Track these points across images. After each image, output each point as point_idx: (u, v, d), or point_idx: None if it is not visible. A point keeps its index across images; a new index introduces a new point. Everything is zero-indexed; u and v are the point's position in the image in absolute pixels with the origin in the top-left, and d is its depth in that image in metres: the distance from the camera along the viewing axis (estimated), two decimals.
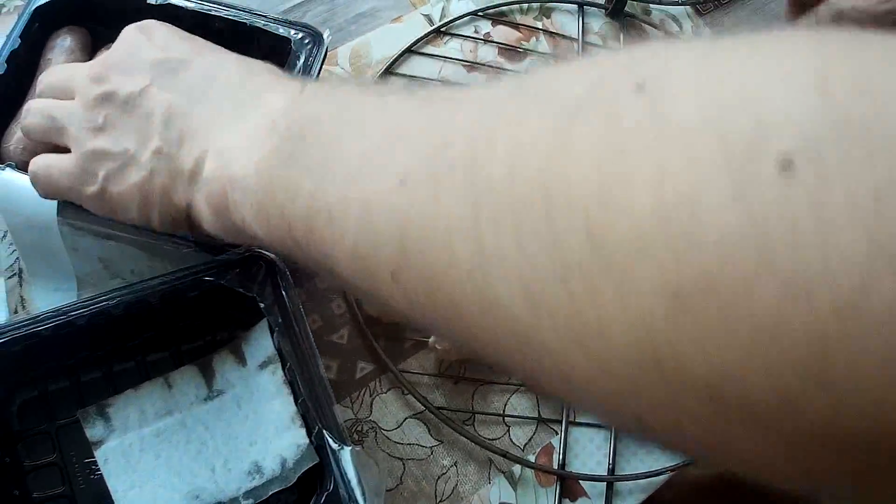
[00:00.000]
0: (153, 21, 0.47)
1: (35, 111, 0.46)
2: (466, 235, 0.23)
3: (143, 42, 0.45)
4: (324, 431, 0.45)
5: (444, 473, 0.56)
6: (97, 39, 0.58)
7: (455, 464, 0.56)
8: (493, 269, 0.22)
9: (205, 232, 0.42)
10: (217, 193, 0.39)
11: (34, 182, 0.45)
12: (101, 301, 0.46)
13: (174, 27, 0.47)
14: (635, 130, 0.19)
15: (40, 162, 0.45)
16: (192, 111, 0.42)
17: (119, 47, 0.45)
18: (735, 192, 0.16)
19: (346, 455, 0.44)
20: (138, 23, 0.46)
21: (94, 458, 0.48)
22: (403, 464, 0.55)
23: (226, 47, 0.59)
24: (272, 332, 0.49)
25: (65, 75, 0.47)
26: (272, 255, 0.48)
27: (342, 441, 0.45)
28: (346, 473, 0.44)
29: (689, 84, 0.19)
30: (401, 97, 0.32)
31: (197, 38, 0.46)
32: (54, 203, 0.47)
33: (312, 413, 0.46)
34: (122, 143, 0.42)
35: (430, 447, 0.56)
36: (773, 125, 0.16)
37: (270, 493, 0.47)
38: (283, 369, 0.49)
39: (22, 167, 0.50)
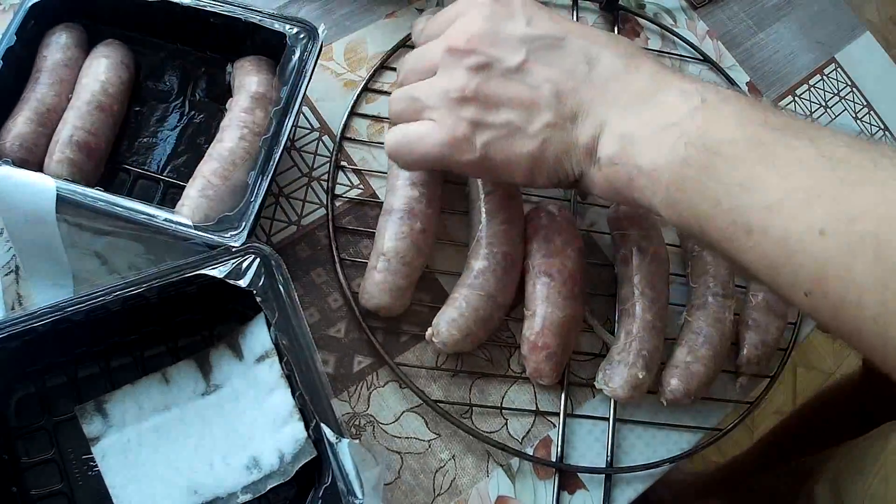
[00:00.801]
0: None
1: (398, 98, 0.50)
2: (874, 297, 0.34)
3: (503, 14, 0.47)
4: (321, 425, 0.45)
5: (442, 467, 0.56)
6: (92, 36, 0.58)
7: (453, 457, 0.56)
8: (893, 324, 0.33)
9: (591, 193, 0.49)
10: (622, 175, 0.44)
11: (394, 155, 0.50)
12: (98, 296, 0.46)
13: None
14: None
15: (401, 133, 0.50)
16: (580, 89, 0.45)
17: (475, 19, 0.47)
18: None
19: (343, 448, 0.44)
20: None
21: (91, 454, 0.48)
22: (401, 457, 0.55)
23: (221, 43, 0.59)
24: (269, 326, 0.49)
25: (421, 55, 0.50)
26: (269, 250, 0.48)
27: (340, 434, 0.45)
28: (344, 466, 0.44)
29: None
30: (808, 151, 0.38)
31: (552, 10, 0.49)
32: (52, 200, 0.47)
33: (310, 407, 0.46)
34: (502, 115, 0.46)
35: (428, 440, 0.56)
36: None
37: (269, 487, 0.47)
38: (281, 363, 0.49)
39: (19, 164, 0.50)
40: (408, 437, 0.56)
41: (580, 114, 0.45)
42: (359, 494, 0.43)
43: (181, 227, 0.48)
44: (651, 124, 0.43)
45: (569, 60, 0.46)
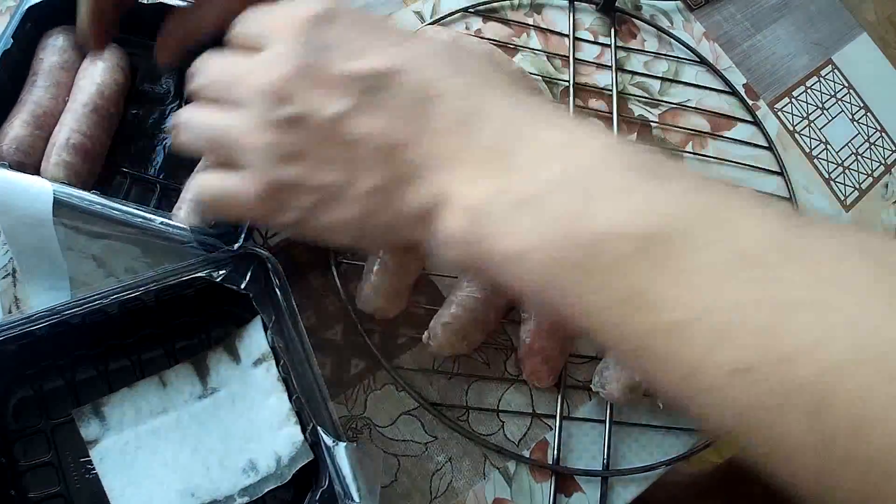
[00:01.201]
0: (331, 4, 0.37)
1: (193, 127, 0.40)
2: (808, 466, 0.28)
3: (324, 42, 0.36)
4: (318, 428, 0.45)
5: (438, 469, 0.56)
6: None
7: (450, 460, 0.56)
8: (836, 499, 0.28)
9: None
10: (472, 257, 0.34)
11: (203, 204, 0.42)
12: (96, 299, 0.46)
13: (364, 13, 0.39)
14: None
15: (211, 183, 0.40)
16: (414, 142, 0.35)
17: (289, 53, 0.36)
18: None
19: (341, 451, 0.44)
20: (312, 10, 0.36)
21: (89, 456, 0.48)
22: (398, 460, 0.55)
23: (217, 42, 0.59)
24: (266, 330, 0.49)
25: (226, 72, 0.39)
26: (266, 253, 0.48)
27: (337, 437, 0.45)
28: (341, 470, 0.44)
29: None
30: (723, 249, 0.29)
31: (391, 25, 0.40)
32: (49, 203, 0.47)
33: (307, 410, 0.46)
34: (320, 177, 0.36)
35: (425, 443, 0.56)
36: None
37: (266, 490, 0.47)
38: (278, 366, 0.49)
39: (15, 167, 0.50)
40: (404, 440, 0.56)
41: (412, 176, 0.35)
42: (356, 498, 0.43)
43: (178, 231, 0.48)
44: (502, 198, 0.33)
45: (401, 105, 0.35)
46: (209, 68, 0.40)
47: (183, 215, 0.50)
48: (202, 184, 0.40)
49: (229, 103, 0.38)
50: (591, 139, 0.34)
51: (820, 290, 0.28)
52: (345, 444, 0.44)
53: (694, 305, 0.29)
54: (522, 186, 0.33)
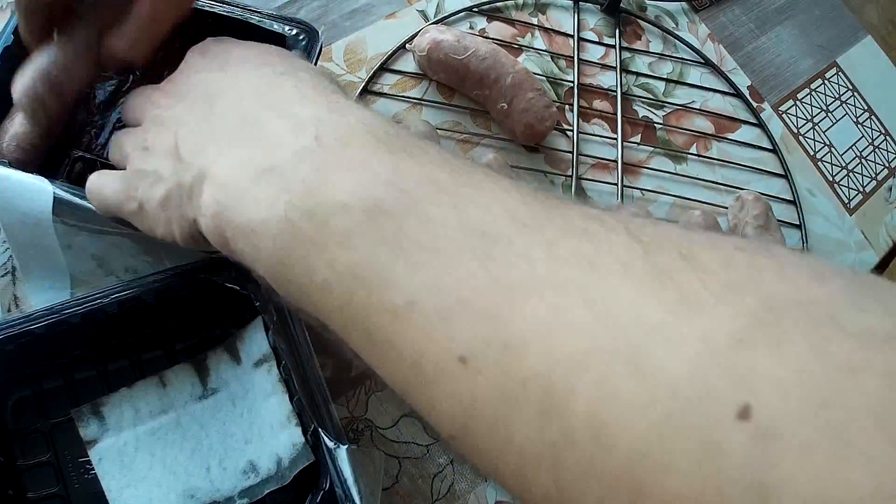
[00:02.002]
0: (212, 41, 0.43)
1: (112, 141, 0.45)
2: (545, 475, 0.22)
3: (197, 62, 0.42)
4: (319, 430, 0.45)
5: (440, 472, 0.55)
6: None
7: (451, 462, 0.56)
8: None
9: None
10: (215, 229, 0.34)
11: (90, 197, 0.45)
12: (95, 299, 0.45)
13: (238, 42, 0.43)
14: (734, 481, 0.19)
15: (94, 178, 0.44)
16: (197, 125, 0.37)
17: (180, 68, 0.43)
18: None
19: (342, 454, 0.44)
20: (201, 45, 0.43)
21: (88, 457, 0.47)
22: (399, 462, 0.55)
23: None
24: (267, 331, 0.48)
25: (138, 100, 0.45)
26: None
27: (338, 440, 0.44)
28: (342, 472, 0.44)
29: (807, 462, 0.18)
30: (451, 221, 0.26)
31: (260, 48, 0.41)
32: (49, 201, 0.46)
33: (308, 412, 0.45)
34: (155, 163, 0.39)
35: (426, 445, 0.56)
36: None
37: (266, 492, 0.47)
38: (279, 367, 0.48)
39: (15, 164, 0.49)
40: (406, 442, 0.56)
41: (191, 152, 0.36)
42: (357, 500, 0.43)
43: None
44: (249, 168, 0.32)
45: (206, 92, 0.38)
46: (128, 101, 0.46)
47: None
48: (88, 181, 0.44)
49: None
50: (348, 114, 0.32)
51: (561, 270, 0.24)
52: (346, 446, 0.44)
53: (417, 284, 0.26)
54: (265, 156, 0.32)
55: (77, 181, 0.49)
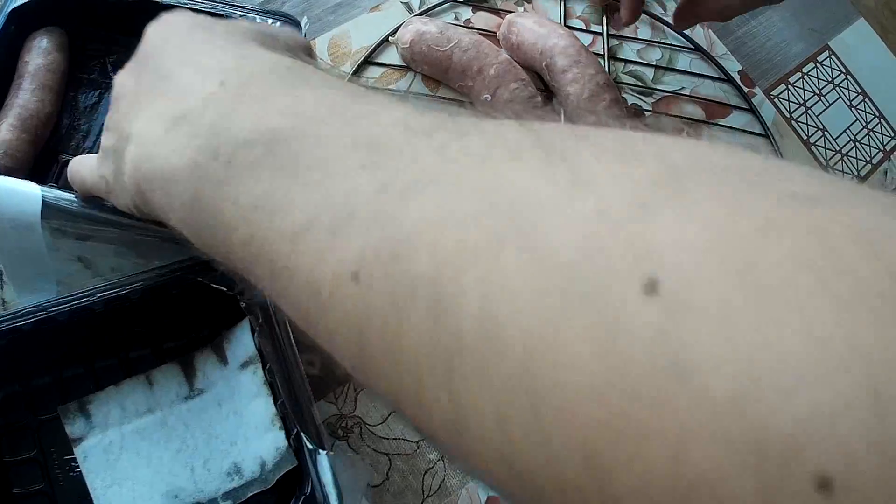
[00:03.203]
0: (166, 14, 0.40)
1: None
2: (439, 386, 0.20)
3: (145, 36, 0.39)
4: (302, 435, 0.45)
5: (430, 468, 0.55)
6: (74, 39, 0.58)
7: (442, 458, 0.56)
8: (470, 427, 0.20)
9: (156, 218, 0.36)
10: (137, 188, 0.34)
11: (70, 181, 0.46)
12: (83, 297, 0.46)
13: (193, 15, 0.40)
14: (645, 364, 0.16)
15: (73, 162, 0.45)
16: (133, 93, 0.36)
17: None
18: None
19: (322, 460, 0.44)
20: (155, 19, 0.40)
21: (74, 454, 0.47)
22: (389, 459, 0.55)
23: None
24: (253, 332, 0.48)
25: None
26: None
27: (320, 445, 0.44)
28: (322, 478, 0.44)
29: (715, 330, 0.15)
30: (341, 137, 0.26)
31: (219, 22, 0.39)
32: (37, 206, 0.46)
33: (291, 415, 0.45)
34: (109, 137, 0.37)
35: (417, 441, 0.56)
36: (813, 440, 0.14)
37: (249, 494, 0.47)
38: (264, 370, 0.48)
39: (3, 171, 0.49)
40: (396, 439, 0.55)
41: (121, 116, 0.36)
42: None
43: (166, 230, 0.48)
44: (163, 117, 0.32)
45: (147, 56, 0.37)
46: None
47: None
48: (70, 165, 0.44)
49: None
50: (252, 59, 0.32)
51: (450, 167, 0.22)
52: (326, 453, 0.44)
53: (312, 204, 0.25)
54: (176, 106, 0.31)
55: (66, 185, 0.49)
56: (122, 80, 0.37)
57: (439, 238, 0.20)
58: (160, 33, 0.37)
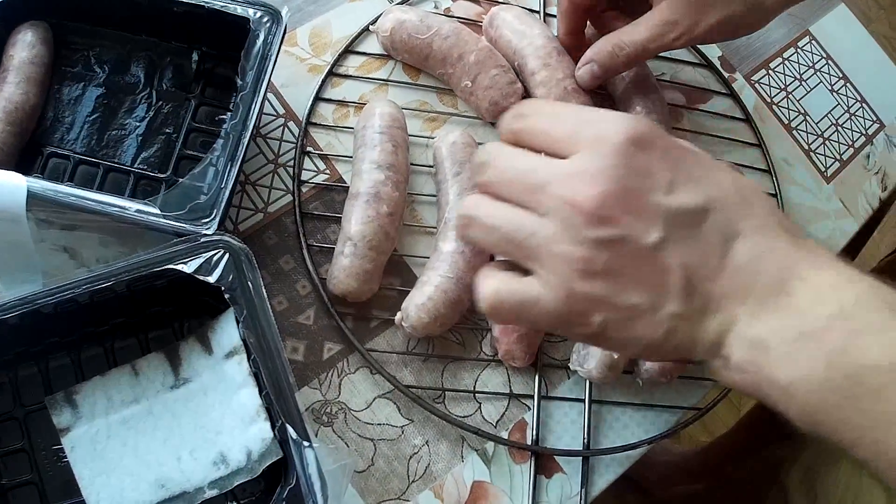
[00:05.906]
0: (648, 130, 0.40)
1: (487, 224, 0.42)
2: None
3: (641, 170, 0.39)
4: (286, 426, 0.45)
5: (415, 453, 0.56)
6: (58, 33, 0.58)
7: (427, 443, 0.56)
8: None
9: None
10: (752, 382, 0.39)
11: (494, 314, 0.43)
12: (67, 289, 0.46)
13: (673, 140, 0.42)
14: None
15: (507, 292, 0.42)
16: (712, 278, 0.39)
17: (607, 174, 0.39)
18: None
19: (307, 452, 0.44)
20: (632, 130, 0.39)
21: (61, 444, 0.48)
22: (374, 444, 0.55)
23: (185, 31, 0.59)
24: (238, 323, 0.48)
25: (524, 175, 0.41)
26: (239, 244, 0.48)
27: (305, 436, 0.45)
28: (307, 469, 0.44)
29: None
30: None
31: (701, 156, 0.42)
32: (23, 198, 0.46)
33: (276, 406, 0.46)
34: (628, 297, 0.39)
35: (401, 426, 0.56)
36: None
37: (236, 483, 0.47)
38: (249, 360, 0.48)
39: None
40: (380, 424, 0.56)
41: (709, 308, 0.39)
42: (318, 497, 0.44)
43: (152, 218, 0.48)
44: (783, 332, 0.38)
45: (706, 242, 0.39)
46: (501, 162, 0.42)
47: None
48: (493, 287, 0.42)
49: (530, 208, 0.40)
50: (857, 282, 0.39)
51: None
52: (309, 445, 0.45)
53: None
54: (800, 322, 0.38)
55: (50, 177, 0.50)
56: (691, 256, 0.39)
57: None
58: (679, 173, 0.40)
